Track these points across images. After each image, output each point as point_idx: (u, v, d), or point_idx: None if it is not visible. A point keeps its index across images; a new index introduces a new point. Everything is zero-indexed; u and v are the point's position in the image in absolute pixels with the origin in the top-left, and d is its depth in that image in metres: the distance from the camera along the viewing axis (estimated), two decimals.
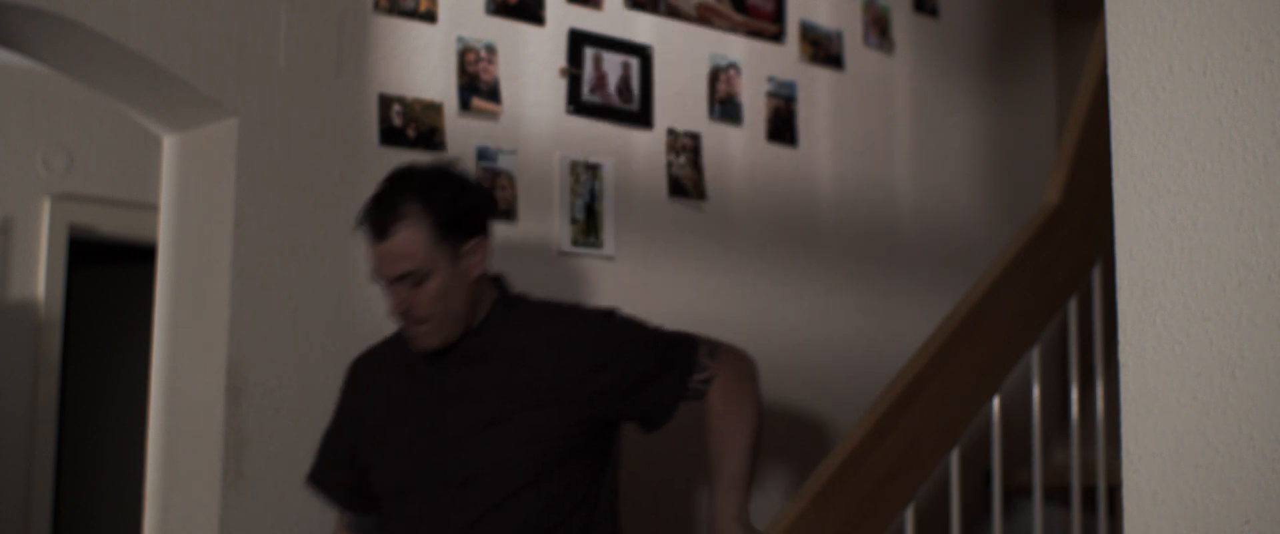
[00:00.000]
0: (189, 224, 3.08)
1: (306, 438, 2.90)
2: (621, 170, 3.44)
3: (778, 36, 3.75)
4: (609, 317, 2.71)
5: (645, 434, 2.75)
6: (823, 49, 3.85)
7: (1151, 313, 1.37)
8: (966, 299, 2.93)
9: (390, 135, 3.13)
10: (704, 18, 3.63)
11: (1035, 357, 3.06)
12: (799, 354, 3.71)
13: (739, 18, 3.69)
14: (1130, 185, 1.40)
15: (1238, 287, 1.32)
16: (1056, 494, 3.70)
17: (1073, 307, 3.14)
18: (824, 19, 3.86)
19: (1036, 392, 3.08)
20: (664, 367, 2.65)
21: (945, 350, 2.83)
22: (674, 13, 3.58)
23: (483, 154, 3.25)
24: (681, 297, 3.52)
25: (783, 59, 3.76)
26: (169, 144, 3.17)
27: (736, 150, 3.66)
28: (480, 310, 2.63)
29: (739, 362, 2.70)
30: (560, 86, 3.39)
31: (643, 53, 3.51)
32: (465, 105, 3.24)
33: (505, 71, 3.30)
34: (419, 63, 3.19)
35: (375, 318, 3.05)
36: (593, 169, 3.39)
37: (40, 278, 4.74)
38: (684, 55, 3.59)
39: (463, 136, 3.22)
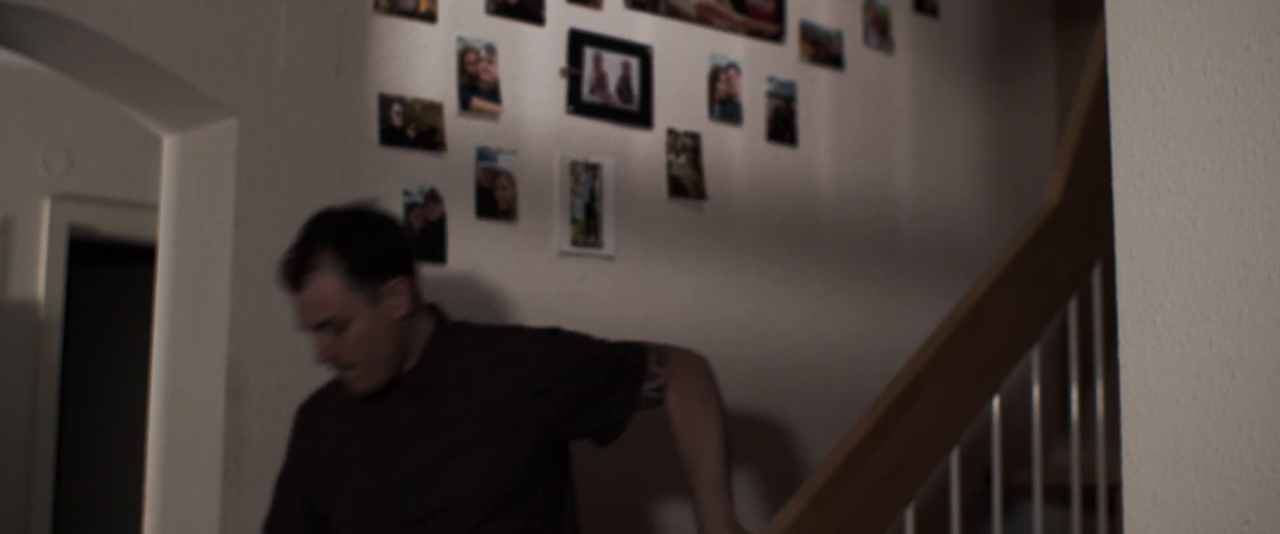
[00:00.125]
0: (189, 224, 3.08)
1: None
2: (621, 170, 3.45)
3: (778, 36, 3.75)
4: (552, 335, 2.69)
5: (599, 448, 2.74)
6: (823, 49, 3.85)
7: (1151, 313, 1.37)
8: (966, 299, 2.93)
9: (390, 135, 3.13)
10: (704, 18, 3.63)
11: (1035, 357, 3.06)
12: (799, 354, 3.71)
13: (739, 18, 3.69)
14: (1130, 185, 1.40)
15: (1238, 287, 1.32)
16: (1056, 494, 3.70)
17: (1073, 307, 3.14)
18: (824, 19, 3.86)
19: (1036, 392, 3.08)
20: (614, 380, 2.64)
21: (945, 350, 2.83)
22: (674, 13, 3.58)
23: (483, 154, 3.25)
24: (681, 297, 3.52)
25: (783, 59, 3.76)
26: (169, 144, 3.17)
27: (736, 150, 3.66)
28: (416, 346, 2.62)
29: (692, 364, 2.68)
30: (560, 86, 3.39)
31: (643, 53, 3.51)
32: (465, 105, 3.24)
33: (505, 71, 3.30)
34: (419, 63, 3.19)
35: None
36: (593, 169, 3.39)
37: (40, 278, 4.74)
38: (684, 55, 3.59)
39: (463, 136, 3.23)
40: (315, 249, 2.54)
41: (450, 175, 3.19)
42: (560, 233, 3.34)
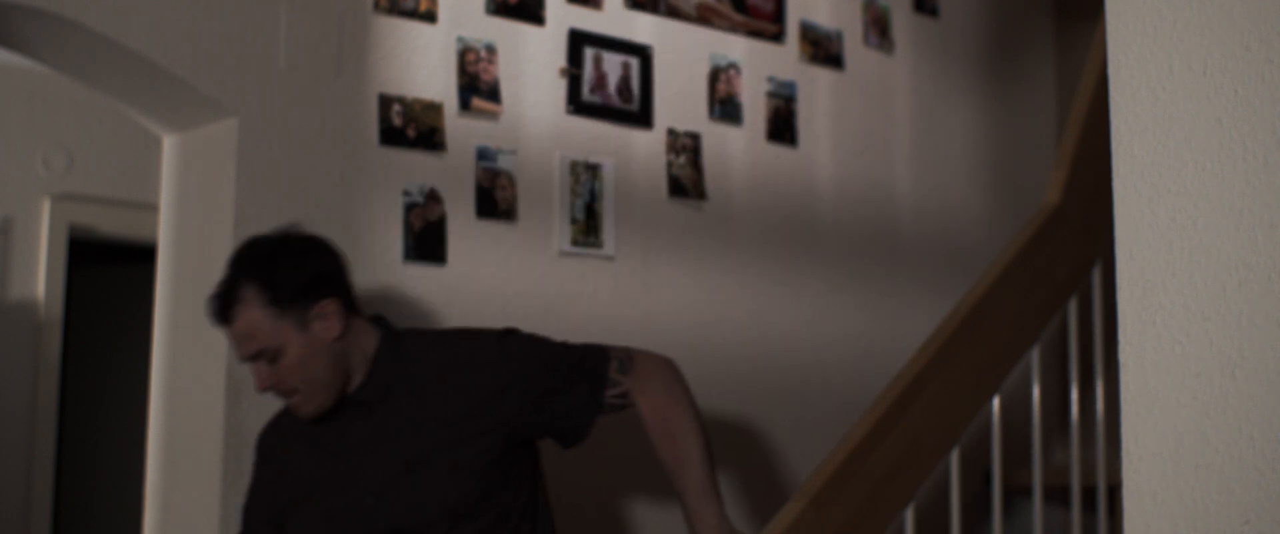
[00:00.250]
0: (189, 224, 3.08)
1: None
2: (621, 170, 3.44)
3: (778, 36, 3.75)
4: (505, 336, 2.68)
5: (564, 450, 2.73)
6: (823, 49, 3.85)
7: (1151, 313, 1.37)
8: (966, 299, 2.93)
9: (390, 135, 3.13)
10: (704, 18, 3.63)
11: (1035, 357, 3.06)
12: (799, 354, 3.71)
13: (739, 18, 3.69)
14: (1130, 185, 1.40)
15: (1238, 287, 1.32)
16: (1056, 494, 3.70)
17: (1073, 307, 3.14)
18: (824, 19, 3.86)
19: (1036, 392, 3.08)
20: (570, 382, 2.63)
21: (945, 350, 2.83)
22: (674, 13, 3.58)
23: (483, 154, 3.25)
24: (681, 297, 3.52)
25: (783, 59, 3.76)
26: (169, 144, 3.17)
27: (736, 150, 3.66)
28: (360, 362, 2.62)
29: (658, 370, 2.67)
30: (560, 86, 3.39)
31: (643, 53, 3.51)
32: (465, 105, 3.24)
33: (505, 71, 3.30)
34: (419, 63, 3.19)
35: None
36: (593, 169, 3.39)
37: (40, 278, 4.74)
38: (684, 55, 3.59)
39: (463, 136, 3.23)
40: (238, 282, 2.56)
41: (450, 175, 3.19)
42: (560, 233, 3.34)
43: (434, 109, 3.19)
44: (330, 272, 2.63)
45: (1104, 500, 3.26)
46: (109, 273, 5.24)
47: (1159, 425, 1.36)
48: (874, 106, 3.96)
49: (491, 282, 3.23)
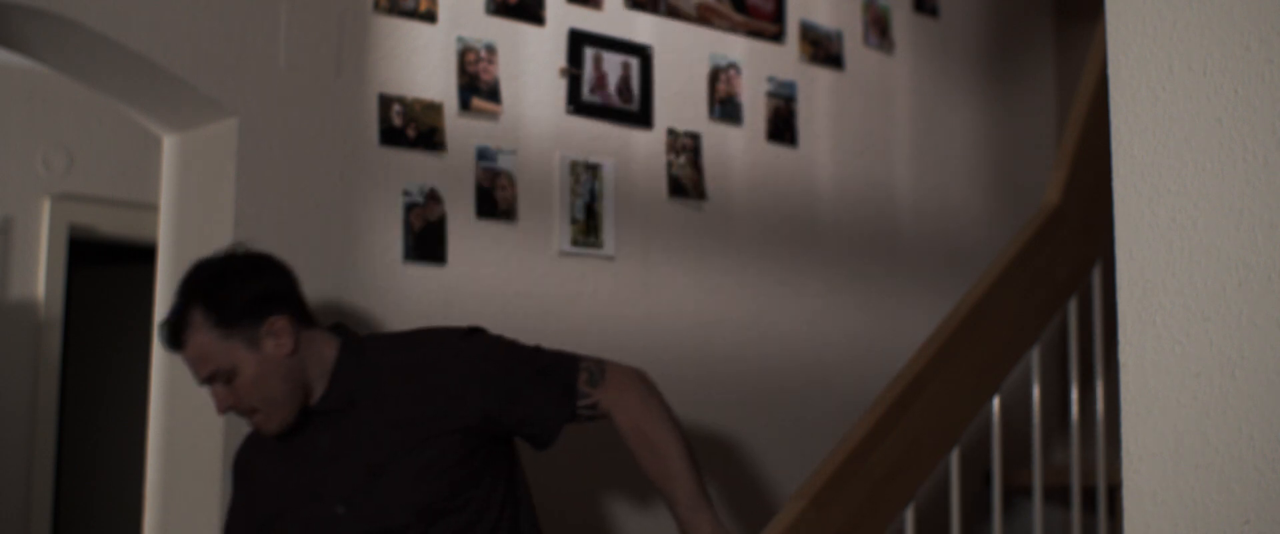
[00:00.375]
0: (189, 224, 3.08)
1: None
2: (621, 170, 3.45)
3: (778, 36, 3.75)
4: (468, 335, 2.68)
5: (537, 452, 2.73)
6: (823, 49, 3.85)
7: (1151, 313, 1.37)
8: (966, 299, 2.93)
9: (390, 135, 3.13)
10: (704, 18, 3.63)
11: (1035, 357, 3.06)
12: (799, 354, 3.71)
13: (739, 18, 3.69)
14: (1130, 185, 1.40)
15: (1238, 287, 1.32)
16: (1056, 494, 3.70)
17: (1073, 307, 3.14)
18: (824, 19, 3.86)
19: (1036, 392, 3.08)
20: (535, 387, 2.62)
21: (945, 350, 2.83)
22: (674, 13, 3.58)
23: (483, 154, 3.25)
24: (681, 297, 3.52)
25: (783, 59, 3.76)
26: (169, 144, 3.17)
27: (736, 150, 3.66)
28: (320, 373, 2.62)
29: (633, 383, 2.66)
30: (560, 86, 3.39)
31: (643, 53, 3.51)
32: (465, 105, 3.24)
33: (505, 71, 3.30)
34: (419, 63, 3.19)
35: (374, 318, 3.05)
36: (593, 169, 3.39)
37: (40, 278, 4.74)
38: (684, 55, 3.59)
39: (463, 136, 3.23)
40: (185, 307, 2.58)
41: (450, 175, 3.19)
42: (560, 233, 3.34)
43: (434, 109, 3.19)
44: (277, 288, 2.64)
45: (1104, 500, 3.26)
46: (109, 273, 5.24)
47: (1159, 425, 1.36)
48: (874, 106, 3.96)
49: (491, 281, 3.23)
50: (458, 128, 3.22)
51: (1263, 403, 1.29)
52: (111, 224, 4.87)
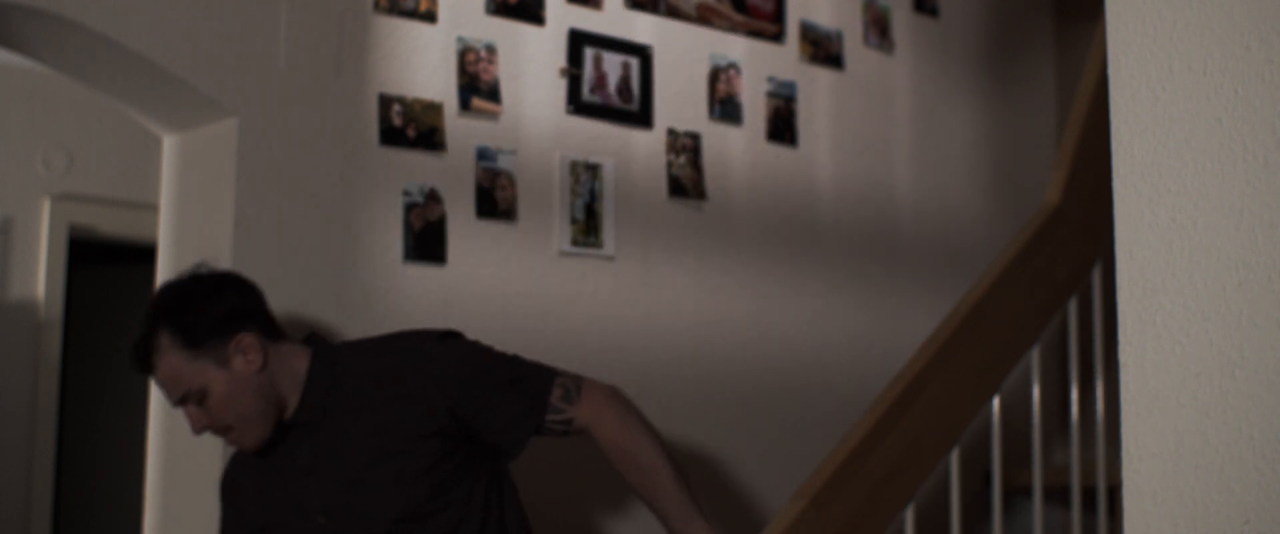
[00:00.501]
0: (189, 224, 3.08)
1: None
2: (621, 170, 3.45)
3: (778, 36, 3.75)
4: (443, 338, 2.68)
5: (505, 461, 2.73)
6: (823, 49, 3.85)
7: (1151, 313, 1.37)
8: (966, 299, 2.93)
9: (390, 135, 3.13)
10: (704, 18, 3.63)
11: (1035, 357, 3.06)
12: (799, 354, 3.71)
13: (739, 18, 3.69)
14: (1130, 185, 1.40)
15: (1238, 287, 1.32)
16: (1056, 494, 3.70)
17: (1073, 307, 3.14)
18: (824, 19, 3.86)
19: (1036, 392, 3.08)
20: (505, 396, 2.62)
21: (945, 350, 2.83)
22: (674, 13, 3.58)
23: (483, 154, 3.25)
24: (681, 297, 3.52)
25: (783, 59, 3.76)
26: (169, 144, 3.17)
27: (736, 150, 3.66)
28: (293, 386, 2.63)
29: (609, 401, 2.65)
30: (560, 86, 3.39)
31: (643, 53, 3.51)
32: (465, 105, 3.24)
33: (505, 71, 3.31)
34: (419, 63, 3.19)
35: (374, 318, 3.05)
36: (593, 169, 3.39)
37: (40, 278, 4.74)
38: (684, 55, 3.59)
39: (463, 136, 3.23)
40: (153, 331, 2.58)
41: (450, 175, 3.20)
42: (560, 233, 3.34)
43: (434, 109, 3.19)
44: (242, 305, 2.64)
45: (1104, 500, 3.26)
46: (109, 273, 5.24)
47: (1159, 425, 1.36)
48: (874, 106, 3.96)
49: (491, 282, 3.23)
50: (458, 128, 3.22)
51: (1263, 403, 1.29)
52: (111, 224, 4.87)
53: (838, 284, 3.82)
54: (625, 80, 3.48)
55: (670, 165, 3.53)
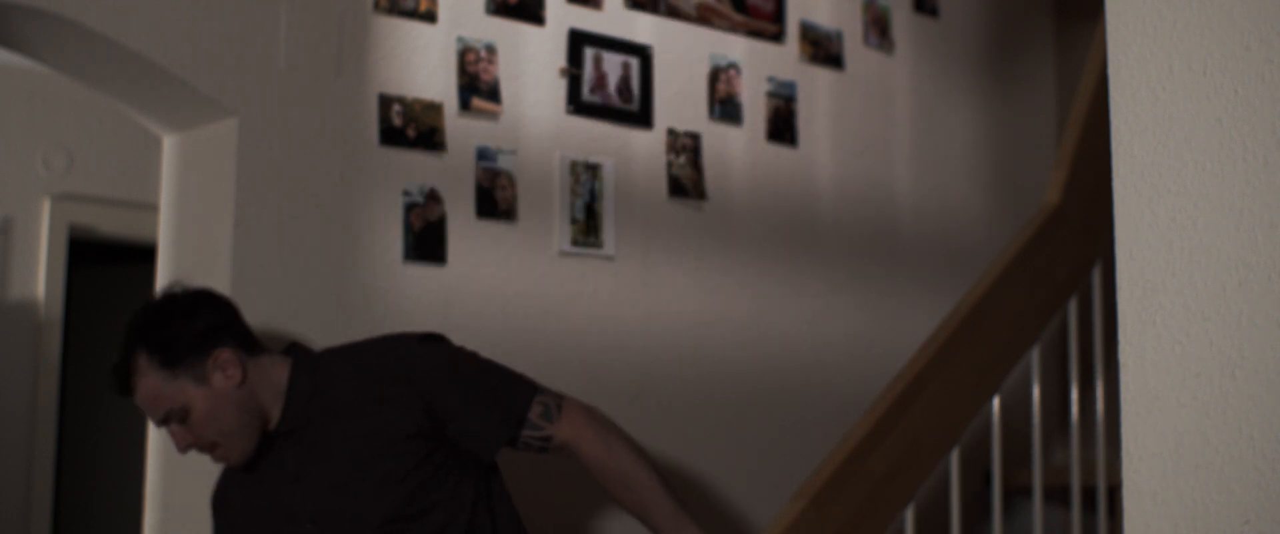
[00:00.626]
0: (189, 224, 3.08)
1: None
2: (621, 170, 3.45)
3: (778, 36, 3.75)
4: (424, 341, 2.69)
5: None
6: (823, 49, 3.85)
7: (1151, 313, 1.37)
8: (966, 299, 2.93)
9: (390, 135, 3.13)
10: (704, 18, 3.63)
11: (1035, 357, 3.06)
12: (799, 354, 3.71)
13: (739, 18, 3.69)
14: (1130, 185, 1.40)
15: (1238, 287, 1.32)
16: (1056, 494, 3.70)
17: (1073, 307, 3.14)
18: (824, 19, 3.86)
19: (1036, 392, 3.08)
20: (480, 403, 2.62)
21: (945, 350, 2.83)
22: (674, 13, 3.58)
23: (483, 154, 3.25)
24: (681, 297, 3.52)
25: (783, 59, 3.76)
26: (169, 144, 3.17)
27: (736, 150, 3.66)
28: (274, 398, 2.63)
29: (589, 421, 2.66)
30: (560, 86, 3.39)
31: (643, 53, 3.51)
32: (465, 105, 3.24)
33: (505, 71, 3.31)
34: (419, 63, 3.19)
35: (374, 319, 3.05)
36: (593, 169, 3.39)
37: (40, 278, 4.74)
38: (684, 55, 3.59)
39: (463, 136, 3.23)
40: (130, 353, 2.59)
41: (450, 175, 3.20)
42: (560, 233, 3.34)
43: (434, 109, 3.19)
44: (218, 321, 2.64)
45: (1104, 500, 3.26)
46: (109, 273, 5.24)
47: (1159, 425, 1.36)
48: (874, 106, 3.96)
49: (491, 282, 3.23)
50: (458, 128, 3.22)
51: (1263, 403, 1.29)
52: (111, 224, 4.87)
53: (838, 284, 3.82)
54: (625, 80, 3.48)
55: (670, 165, 3.53)
